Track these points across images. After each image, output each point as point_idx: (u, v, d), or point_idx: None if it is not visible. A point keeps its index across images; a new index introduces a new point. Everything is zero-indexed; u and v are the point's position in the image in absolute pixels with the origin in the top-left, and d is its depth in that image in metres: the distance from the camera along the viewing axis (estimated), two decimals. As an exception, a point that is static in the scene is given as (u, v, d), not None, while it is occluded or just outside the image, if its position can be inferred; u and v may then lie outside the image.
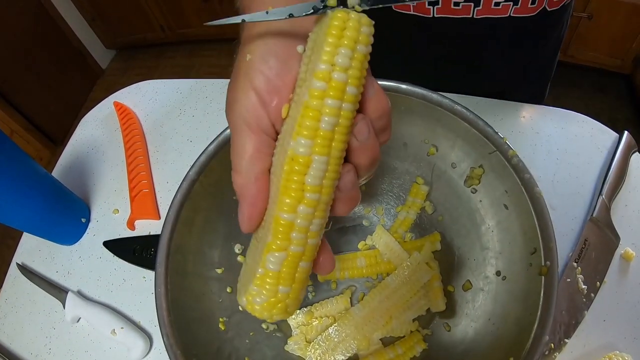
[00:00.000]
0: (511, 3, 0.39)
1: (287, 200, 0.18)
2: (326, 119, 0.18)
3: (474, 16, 0.41)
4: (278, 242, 0.19)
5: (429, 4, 0.40)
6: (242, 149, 0.20)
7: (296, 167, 0.18)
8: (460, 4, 0.40)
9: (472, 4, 0.39)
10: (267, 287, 0.20)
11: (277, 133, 0.20)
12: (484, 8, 0.40)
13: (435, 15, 0.41)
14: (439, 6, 0.40)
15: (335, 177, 0.19)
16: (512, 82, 0.52)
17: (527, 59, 0.50)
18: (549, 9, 0.41)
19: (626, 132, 0.46)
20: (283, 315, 0.20)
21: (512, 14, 0.40)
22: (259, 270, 0.19)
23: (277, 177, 0.19)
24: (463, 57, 0.48)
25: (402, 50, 0.49)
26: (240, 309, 0.37)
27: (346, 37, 0.17)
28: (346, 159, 0.20)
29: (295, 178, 0.18)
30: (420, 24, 0.43)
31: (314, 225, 0.19)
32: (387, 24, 0.44)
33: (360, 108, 0.19)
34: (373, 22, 0.18)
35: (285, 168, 0.18)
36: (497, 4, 0.39)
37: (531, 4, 0.39)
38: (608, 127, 0.48)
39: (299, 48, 0.20)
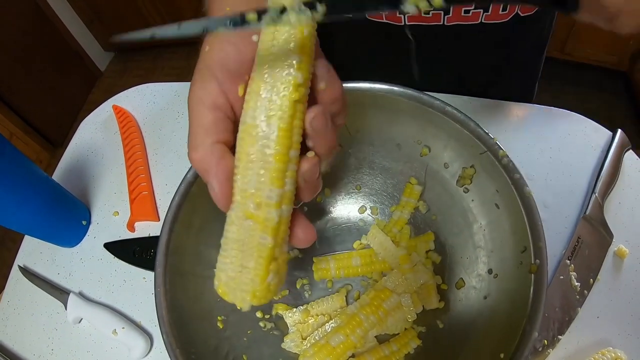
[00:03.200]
0: (481, 11, 0.40)
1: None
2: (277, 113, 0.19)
3: (445, 23, 0.41)
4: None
5: (399, 13, 0.41)
6: (198, 124, 0.20)
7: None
8: (430, 12, 0.40)
9: (442, 12, 0.40)
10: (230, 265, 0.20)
11: (235, 113, 0.21)
12: (454, 16, 0.40)
13: (407, 23, 0.42)
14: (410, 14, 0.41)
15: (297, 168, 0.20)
16: (491, 84, 0.53)
17: (504, 62, 0.50)
18: (522, 15, 0.41)
19: (619, 130, 0.47)
20: (248, 297, 0.20)
21: (483, 21, 0.41)
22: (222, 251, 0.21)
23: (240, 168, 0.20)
24: (438, 61, 0.49)
25: (379, 54, 0.50)
26: (239, 307, 0.38)
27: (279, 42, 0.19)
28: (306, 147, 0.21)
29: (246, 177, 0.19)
30: (393, 31, 0.43)
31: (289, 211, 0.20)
32: (362, 30, 0.45)
33: (315, 95, 0.20)
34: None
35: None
36: (467, 11, 0.40)
37: (502, 11, 0.40)
38: (605, 124, 0.48)
39: (254, 37, 0.21)
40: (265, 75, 0.20)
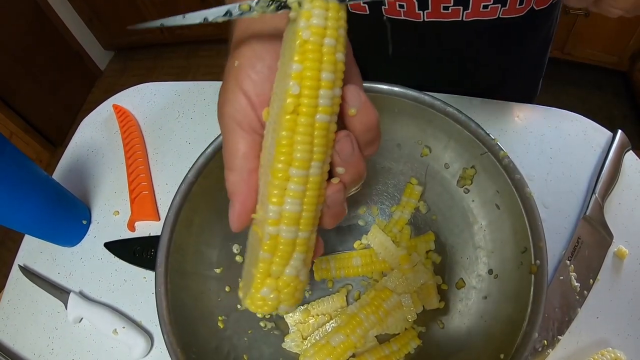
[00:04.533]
0: (499, 5, 0.40)
1: (272, 207, 0.19)
2: (299, 139, 0.18)
3: (464, 19, 0.41)
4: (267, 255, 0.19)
5: (419, 8, 0.41)
6: (235, 147, 0.20)
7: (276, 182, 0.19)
8: (450, 8, 0.40)
9: (461, 8, 0.40)
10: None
11: None
12: (473, 11, 0.40)
13: (426, 20, 0.42)
14: (429, 10, 0.41)
15: (317, 194, 0.19)
16: (501, 80, 0.53)
17: (516, 57, 0.50)
18: (536, 8, 0.41)
19: (620, 131, 0.47)
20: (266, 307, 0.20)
21: (500, 15, 0.41)
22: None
23: (264, 182, 0.20)
24: (453, 57, 0.49)
25: (393, 53, 0.50)
26: (239, 306, 0.38)
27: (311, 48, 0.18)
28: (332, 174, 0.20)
29: (275, 191, 0.19)
30: (410, 28, 0.43)
31: (300, 235, 0.19)
32: (378, 28, 0.45)
33: (345, 121, 0.19)
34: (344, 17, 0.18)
35: (270, 182, 0.19)
36: (485, 6, 0.40)
37: (519, 5, 0.40)
38: (605, 123, 0.48)
39: None
40: (277, 85, 0.19)
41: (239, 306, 0.38)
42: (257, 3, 0.18)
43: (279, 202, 0.19)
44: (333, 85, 0.18)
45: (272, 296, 0.20)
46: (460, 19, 0.41)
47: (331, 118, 0.19)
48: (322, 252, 0.22)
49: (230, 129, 0.20)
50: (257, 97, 0.20)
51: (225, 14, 0.18)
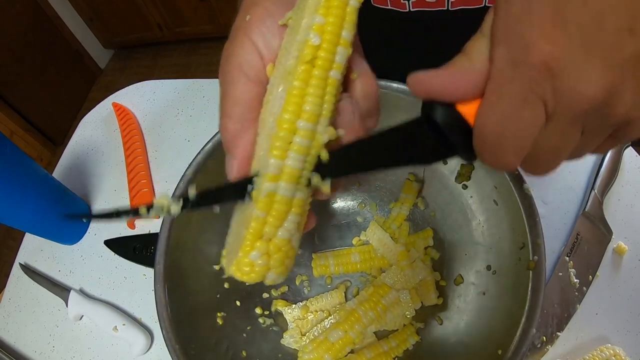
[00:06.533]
0: None
1: (275, 152, 0.18)
2: (313, 85, 0.18)
3: (449, 8, 0.41)
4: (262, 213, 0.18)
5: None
6: (238, 96, 0.20)
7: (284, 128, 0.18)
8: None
9: None
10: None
11: None
12: None
13: (412, 10, 0.42)
14: (414, 0, 0.40)
15: (320, 153, 0.19)
16: None
17: None
18: None
19: (619, 127, 0.47)
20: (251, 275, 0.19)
21: (487, 4, 0.40)
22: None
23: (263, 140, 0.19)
24: (444, 50, 0.48)
25: (383, 45, 0.49)
26: (238, 303, 0.38)
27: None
28: None
29: (278, 143, 0.18)
30: (397, 19, 0.43)
31: (297, 195, 0.18)
32: (366, 20, 0.45)
33: (346, 87, 0.19)
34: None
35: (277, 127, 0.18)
36: None
37: None
38: (605, 120, 0.48)
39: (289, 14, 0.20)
40: (287, 41, 0.19)
41: (237, 303, 0.38)
42: (152, 209, 0.19)
43: (281, 156, 0.18)
44: (349, 45, 0.18)
45: (260, 261, 0.18)
46: (446, 8, 0.41)
47: (341, 78, 0.18)
48: (314, 225, 0.21)
49: (235, 78, 0.20)
50: (265, 50, 0.20)
51: (135, 213, 0.20)
